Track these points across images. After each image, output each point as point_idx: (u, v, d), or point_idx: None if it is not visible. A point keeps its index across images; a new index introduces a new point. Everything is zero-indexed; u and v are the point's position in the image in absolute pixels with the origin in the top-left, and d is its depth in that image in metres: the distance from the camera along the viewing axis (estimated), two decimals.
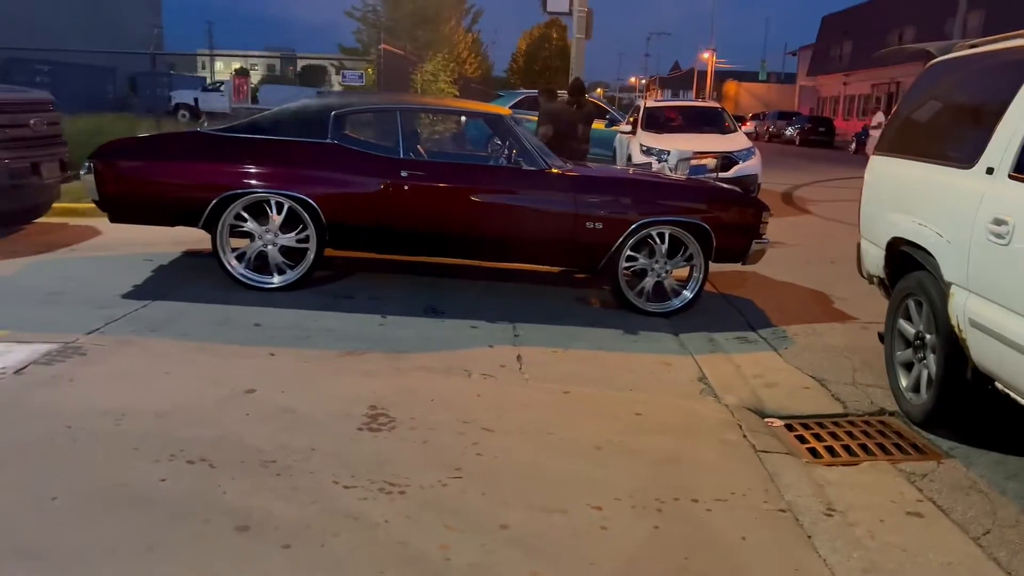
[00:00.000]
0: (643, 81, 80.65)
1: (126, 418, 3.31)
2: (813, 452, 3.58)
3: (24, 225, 7.32)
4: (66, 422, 3.24)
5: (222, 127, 5.91)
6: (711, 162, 10.67)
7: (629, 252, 5.56)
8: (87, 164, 5.48)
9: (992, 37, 4.04)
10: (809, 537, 2.79)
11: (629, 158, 11.68)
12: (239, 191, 5.38)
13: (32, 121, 6.72)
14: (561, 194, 5.56)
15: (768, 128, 42.37)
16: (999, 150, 3.37)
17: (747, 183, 10.48)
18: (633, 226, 5.49)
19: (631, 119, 13.28)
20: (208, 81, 36.89)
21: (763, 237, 5.79)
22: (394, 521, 2.67)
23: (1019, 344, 3.02)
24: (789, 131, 39.03)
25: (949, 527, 2.96)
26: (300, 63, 49.42)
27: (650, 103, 13.95)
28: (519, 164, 5.64)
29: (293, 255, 5.53)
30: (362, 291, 5.73)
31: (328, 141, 5.54)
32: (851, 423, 3.94)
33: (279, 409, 3.52)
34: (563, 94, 9.59)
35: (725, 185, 6.76)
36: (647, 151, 11.19)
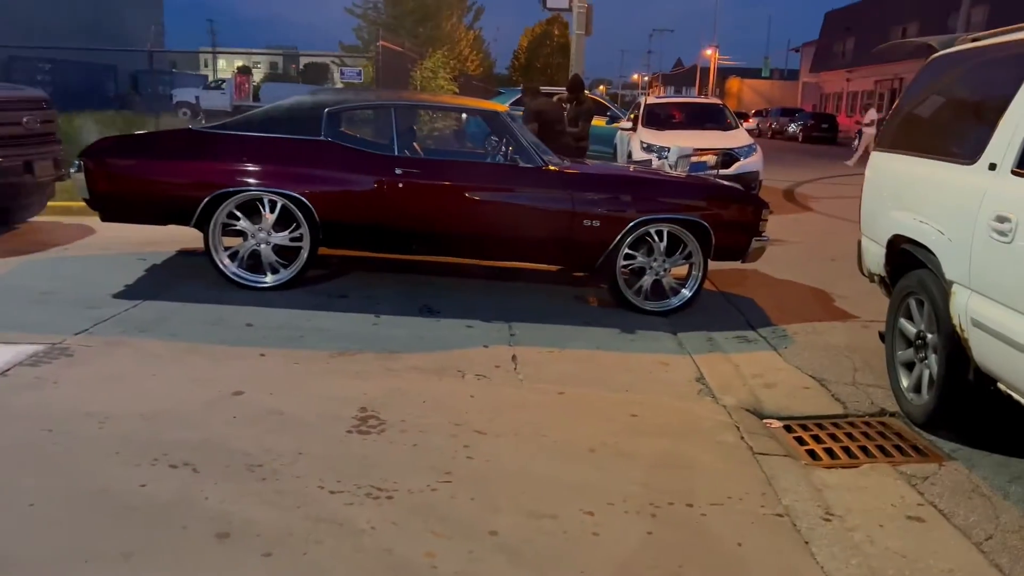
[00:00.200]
0: (646, 78, 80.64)
1: (110, 421, 3.25)
2: (812, 454, 3.50)
3: (18, 224, 7.28)
4: (48, 425, 3.18)
5: (214, 124, 5.83)
6: (712, 159, 10.58)
7: (627, 250, 5.49)
8: (77, 162, 5.42)
9: (994, 31, 3.95)
10: (807, 543, 2.71)
11: (630, 155, 11.59)
12: (231, 189, 5.32)
13: (25, 119, 6.66)
14: (558, 191, 5.49)
15: (771, 125, 42.22)
16: (1002, 146, 3.30)
17: (748, 180, 10.38)
18: (631, 224, 5.42)
19: (632, 116, 13.18)
20: (210, 79, 36.89)
21: (763, 234, 5.72)
22: (380, 527, 2.60)
23: (1022, 344, 2.94)
24: (792, 128, 38.87)
25: (951, 532, 2.88)
26: (302, 61, 49.33)
27: (651, 99, 13.83)
28: (515, 161, 5.55)
29: (287, 254, 5.46)
30: (356, 290, 5.66)
31: (322, 138, 5.46)
32: (851, 424, 3.86)
33: (267, 411, 3.46)
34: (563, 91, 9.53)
35: (724, 182, 6.68)
36: (647, 148, 11.09)
